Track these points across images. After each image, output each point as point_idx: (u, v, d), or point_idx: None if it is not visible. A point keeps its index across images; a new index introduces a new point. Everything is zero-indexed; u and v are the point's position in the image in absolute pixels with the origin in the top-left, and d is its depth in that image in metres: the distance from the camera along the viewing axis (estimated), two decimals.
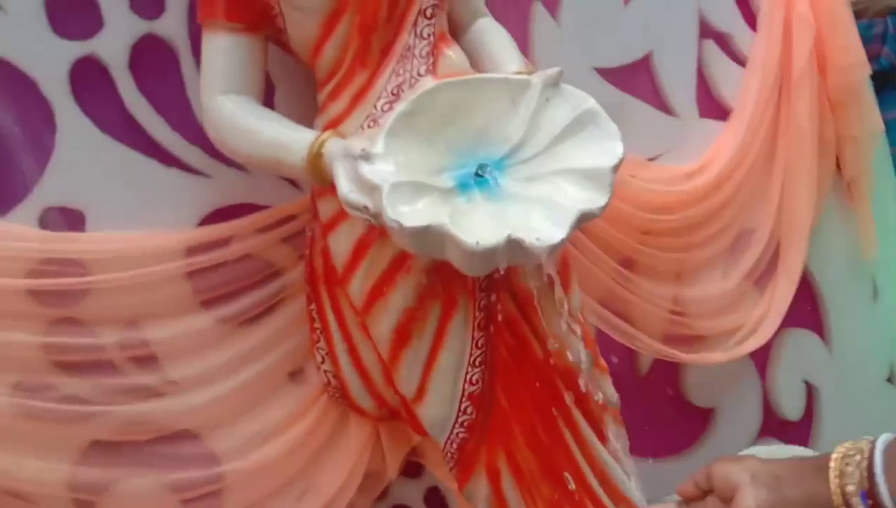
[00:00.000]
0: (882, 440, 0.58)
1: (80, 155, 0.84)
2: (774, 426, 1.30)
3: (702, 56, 1.18)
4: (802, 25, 1.18)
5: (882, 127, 1.26)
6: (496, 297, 0.80)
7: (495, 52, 0.86)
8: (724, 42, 1.21)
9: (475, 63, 0.87)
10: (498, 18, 1.00)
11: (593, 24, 1.08)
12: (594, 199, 0.68)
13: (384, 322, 0.79)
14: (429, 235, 0.64)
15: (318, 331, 0.88)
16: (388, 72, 0.76)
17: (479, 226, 0.66)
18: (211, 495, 0.88)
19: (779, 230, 1.22)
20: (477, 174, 0.73)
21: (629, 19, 1.12)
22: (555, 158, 0.72)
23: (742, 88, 1.20)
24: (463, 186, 0.72)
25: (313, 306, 0.87)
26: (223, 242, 0.87)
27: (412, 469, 1.00)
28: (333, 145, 0.71)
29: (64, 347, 0.82)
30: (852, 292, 1.36)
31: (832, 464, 0.58)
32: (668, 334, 1.15)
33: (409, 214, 0.64)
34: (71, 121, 0.83)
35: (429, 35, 0.77)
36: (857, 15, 1.35)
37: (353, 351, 0.86)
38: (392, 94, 0.76)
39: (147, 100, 0.85)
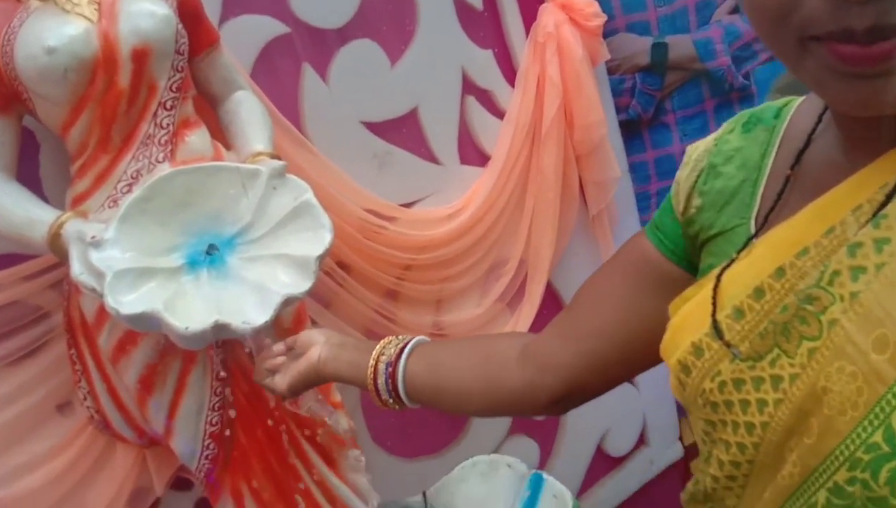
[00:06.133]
0: (419, 339, 0.71)
1: None
2: (523, 425, 1.51)
3: (464, 110, 1.33)
4: (552, 86, 1.34)
5: (619, 174, 1.46)
6: (232, 350, 0.92)
7: (245, 129, 0.95)
8: (484, 98, 1.36)
9: (229, 134, 0.98)
10: (268, 79, 1.10)
11: (361, 83, 1.20)
12: (299, 284, 0.81)
13: (129, 374, 0.89)
14: (145, 319, 0.75)
15: (78, 372, 0.96)
16: (129, 158, 0.85)
17: (193, 309, 0.77)
18: None
19: (527, 261, 1.41)
20: (207, 252, 0.85)
21: (396, 78, 1.24)
22: (275, 242, 0.85)
23: (499, 139, 1.36)
24: (192, 264, 0.83)
25: (73, 351, 0.96)
26: None
27: (183, 483, 1.12)
28: (70, 227, 0.80)
29: None
30: None
31: (379, 344, 0.71)
32: None
33: (127, 302, 0.75)
34: None
35: (168, 124, 0.86)
36: (611, 71, 1.54)
37: (112, 391, 0.95)
38: (132, 177, 0.85)
39: None
